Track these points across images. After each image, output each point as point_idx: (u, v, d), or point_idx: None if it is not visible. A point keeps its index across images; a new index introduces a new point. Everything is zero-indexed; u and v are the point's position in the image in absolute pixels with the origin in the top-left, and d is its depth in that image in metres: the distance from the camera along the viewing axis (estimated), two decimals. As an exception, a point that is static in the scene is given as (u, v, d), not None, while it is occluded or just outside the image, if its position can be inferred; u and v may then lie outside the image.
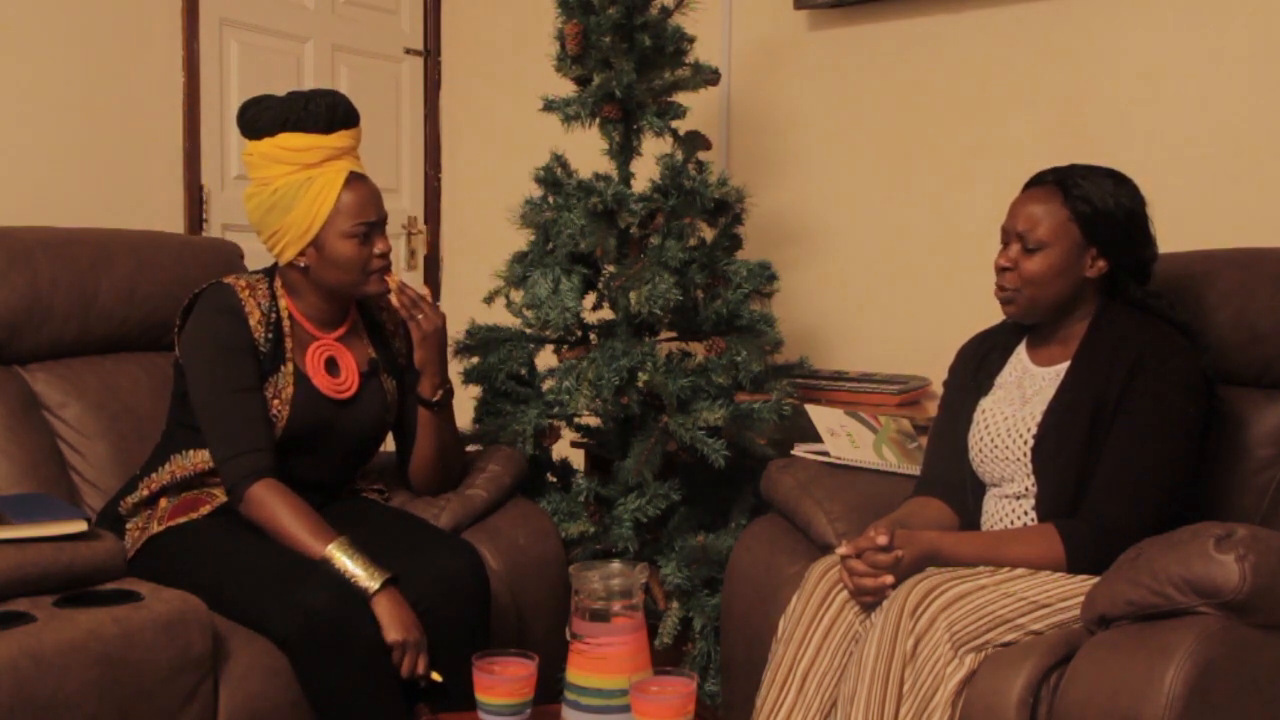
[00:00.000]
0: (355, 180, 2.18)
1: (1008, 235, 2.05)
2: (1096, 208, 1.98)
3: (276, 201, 2.15)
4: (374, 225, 2.19)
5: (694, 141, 2.82)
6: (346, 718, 1.93)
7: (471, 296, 2.95)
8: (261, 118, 2.16)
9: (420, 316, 2.25)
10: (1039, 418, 2.02)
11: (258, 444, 2.09)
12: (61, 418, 2.39)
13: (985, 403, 2.12)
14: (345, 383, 2.24)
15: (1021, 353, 2.15)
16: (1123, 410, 1.94)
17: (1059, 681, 1.74)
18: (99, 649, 1.76)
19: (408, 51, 3.99)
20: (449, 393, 2.34)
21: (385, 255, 2.21)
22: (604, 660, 1.74)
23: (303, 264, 2.19)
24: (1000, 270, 2.05)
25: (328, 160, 2.16)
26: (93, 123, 3.13)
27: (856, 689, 1.76)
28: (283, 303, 2.22)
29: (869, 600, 1.86)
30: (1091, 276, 2.01)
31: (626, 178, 2.80)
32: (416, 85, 4.03)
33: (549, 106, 2.79)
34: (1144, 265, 2.04)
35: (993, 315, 2.16)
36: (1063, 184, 2.01)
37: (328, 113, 2.16)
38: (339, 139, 2.18)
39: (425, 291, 2.28)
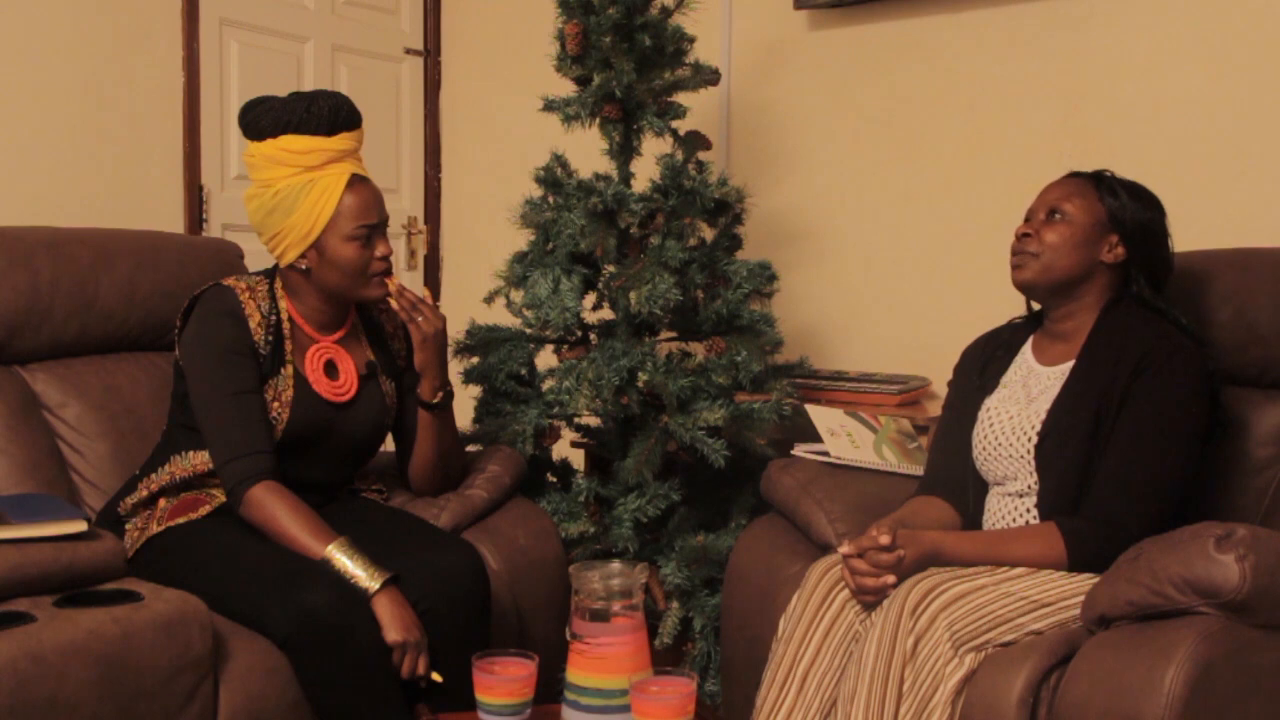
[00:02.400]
0: (357, 183, 2.18)
1: (1033, 213, 2.09)
2: (1127, 199, 2.06)
3: (278, 204, 2.15)
4: (375, 228, 2.19)
5: (694, 141, 2.82)
6: (346, 718, 1.93)
7: (471, 296, 2.95)
8: (263, 119, 2.16)
9: (421, 319, 2.25)
10: (1043, 416, 2.02)
11: (257, 446, 2.09)
12: (61, 418, 2.39)
13: (990, 401, 2.13)
14: (344, 386, 2.24)
15: (1027, 352, 2.15)
16: (1126, 409, 1.94)
17: (1059, 681, 1.74)
18: (99, 649, 1.75)
19: (408, 51, 3.99)
20: (449, 395, 2.34)
21: (386, 258, 2.21)
22: (604, 660, 1.74)
23: (304, 266, 2.19)
24: (1020, 236, 2.08)
25: (329, 163, 2.16)
26: (93, 123, 3.14)
27: (856, 688, 1.76)
28: (283, 305, 2.22)
29: (870, 600, 1.86)
30: (1108, 261, 2.04)
31: (626, 178, 2.80)
32: (416, 85, 4.03)
33: (549, 106, 2.79)
34: (1157, 267, 2.06)
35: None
36: (1097, 177, 2.09)
37: (330, 115, 2.16)
38: (341, 141, 2.17)
39: (425, 294, 2.28)
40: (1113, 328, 2.02)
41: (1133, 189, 2.08)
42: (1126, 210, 2.05)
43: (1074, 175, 2.12)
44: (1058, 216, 2.05)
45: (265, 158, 2.16)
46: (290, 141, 2.14)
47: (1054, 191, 2.09)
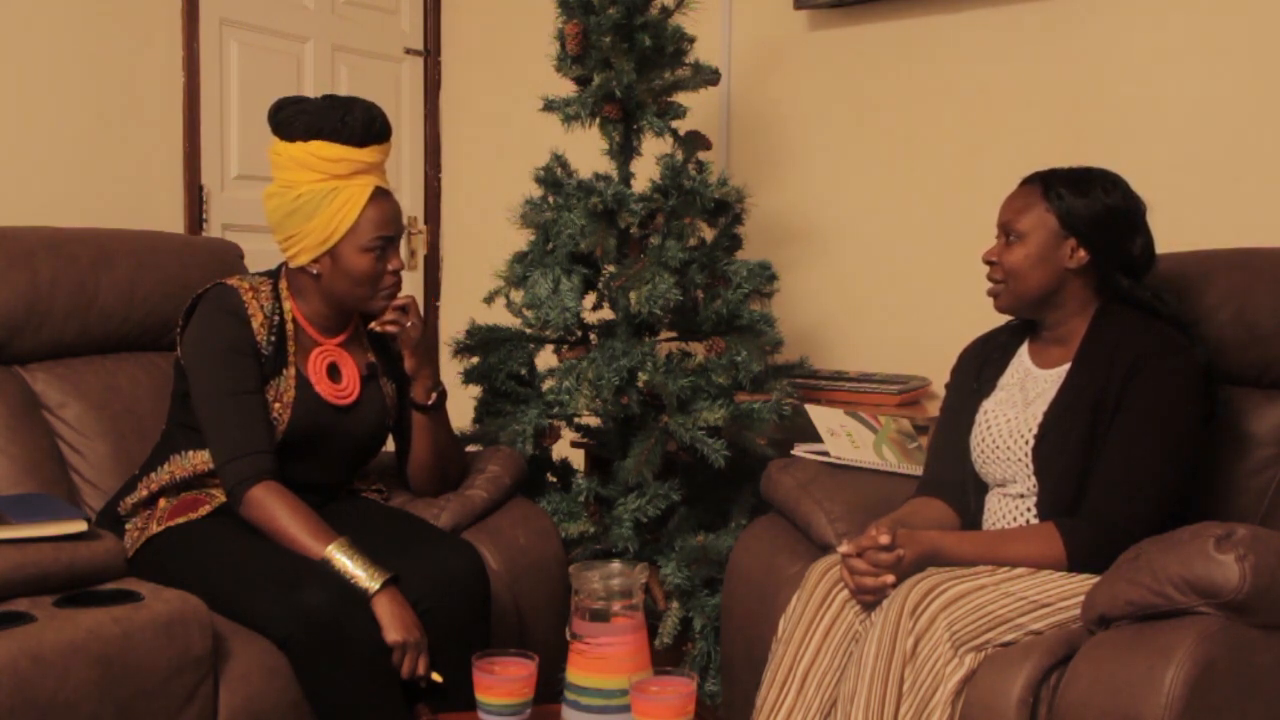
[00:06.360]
0: (380, 196, 2.18)
1: (998, 231, 2.09)
2: (1074, 198, 2.02)
3: (299, 207, 2.15)
4: (391, 240, 2.19)
5: (694, 141, 2.82)
6: (346, 718, 1.93)
7: (471, 296, 2.95)
8: (296, 120, 2.15)
9: (408, 324, 2.26)
10: (1040, 418, 2.02)
11: (258, 446, 2.09)
12: (61, 418, 2.39)
13: (988, 404, 2.13)
14: (347, 389, 2.24)
15: (1024, 355, 2.15)
16: (1122, 410, 1.95)
17: (1059, 681, 1.74)
18: (99, 649, 1.75)
19: (408, 51, 3.99)
20: (442, 395, 2.34)
21: (397, 273, 2.21)
22: (604, 660, 1.74)
23: (315, 271, 2.19)
24: (986, 264, 2.09)
25: (356, 173, 2.16)
26: (93, 123, 3.13)
27: (856, 688, 1.76)
28: (287, 305, 2.22)
29: (869, 599, 1.86)
30: (1073, 267, 2.02)
31: (626, 178, 2.80)
32: (416, 85, 4.03)
33: (549, 106, 2.79)
34: (1130, 260, 2.05)
35: (992, 315, 2.16)
36: (1044, 180, 2.06)
37: (364, 127, 2.15)
38: (370, 154, 2.17)
39: (406, 299, 2.27)
40: (1107, 330, 2.02)
41: (1077, 183, 2.03)
42: (1075, 211, 2.01)
43: (1025, 182, 2.09)
44: (1012, 237, 2.05)
45: (293, 159, 2.15)
46: (321, 148, 2.14)
47: (1005, 210, 2.08)
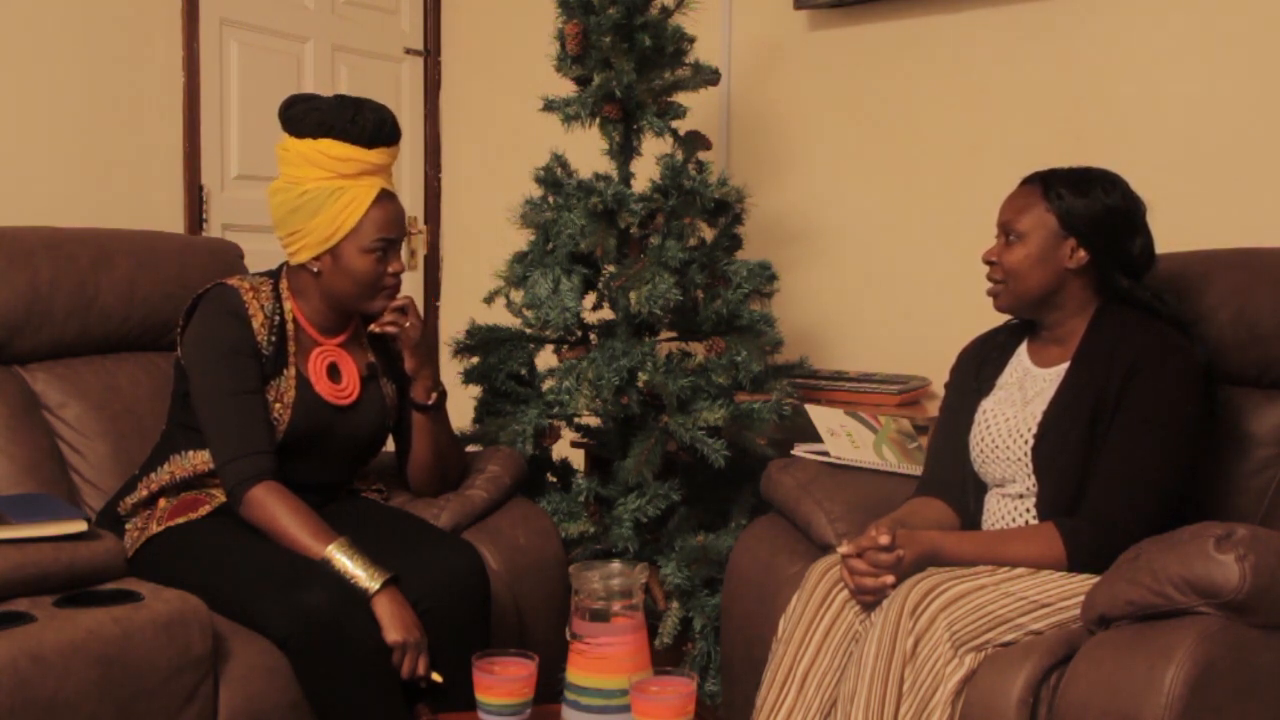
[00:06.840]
0: (385, 198, 2.19)
1: (997, 231, 2.09)
2: (1073, 199, 2.02)
3: (303, 204, 2.15)
4: (392, 243, 2.20)
5: (694, 141, 2.82)
6: (346, 718, 1.93)
7: (471, 296, 2.95)
8: (308, 118, 2.15)
9: (407, 325, 2.26)
10: (1039, 418, 2.02)
11: (258, 446, 2.09)
12: (61, 418, 2.39)
13: (986, 404, 2.13)
14: (346, 389, 2.24)
15: (1022, 354, 2.15)
16: (1122, 409, 1.95)
17: (1059, 681, 1.74)
18: (99, 649, 1.75)
19: (408, 51, 3.99)
20: (442, 395, 2.34)
21: (397, 275, 2.21)
22: (604, 660, 1.74)
23: (315, 269, 2.19)
24: (986, 264, 2.09)
25: (362, 174, 2.16)
26: (93, 123, 3.14)
27: (856, 688, 1.76)
28: (287, 305, 2.22)
29: (869, 600, 1.86)
30: (1072, 268, 2.02)
31: (626, 178, 2.80)
32: (416, 85, 4.03)
33: (549, 106, 2.79)
34: (1130, 260, 2.05)
35: (992, 315, 2.16)
36: (1045, 179, 2.06)
37: (374, 129, 2.16)
38: (378, 155, 2.17)
39: (405, 300, 2.27)
40: (1107, 329, 2.03)
41: (1077, 183, 2.03)
42: (1075, 211, 2.01)
43: (1025, 182, 2.10)
44: (1012, 237, 2.05)
45: (300, 156, 2.16)
46: (329, 146, 2.14)
47: (1005, 210, 2.08)
